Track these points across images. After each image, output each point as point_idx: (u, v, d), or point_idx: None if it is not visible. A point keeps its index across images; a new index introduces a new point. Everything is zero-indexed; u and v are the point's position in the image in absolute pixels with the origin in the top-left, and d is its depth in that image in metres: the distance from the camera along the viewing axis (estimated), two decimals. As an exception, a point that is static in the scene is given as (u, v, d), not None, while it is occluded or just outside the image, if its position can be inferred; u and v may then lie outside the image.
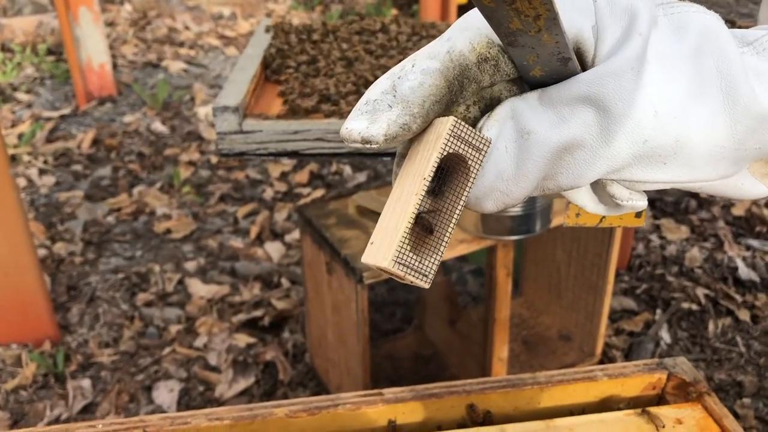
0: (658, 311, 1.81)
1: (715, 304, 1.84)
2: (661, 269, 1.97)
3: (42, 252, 2.03)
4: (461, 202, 0.33)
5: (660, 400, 0.80)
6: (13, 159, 2.58)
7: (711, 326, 1.76)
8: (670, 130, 0.33)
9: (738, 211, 2.22)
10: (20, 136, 2.77)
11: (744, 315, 1.79)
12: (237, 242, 2.12)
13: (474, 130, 0.33)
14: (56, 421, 1.49)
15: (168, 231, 2.18)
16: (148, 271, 1.98)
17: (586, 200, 0.39)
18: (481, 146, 0.33)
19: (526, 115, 0.33)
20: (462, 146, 0.32)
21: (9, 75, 3.34)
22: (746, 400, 1.54)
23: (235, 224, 2.23)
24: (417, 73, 0.33)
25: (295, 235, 2.13)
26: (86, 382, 1.59)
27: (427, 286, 0.34)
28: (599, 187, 0.38)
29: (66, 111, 3.02)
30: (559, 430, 0.72)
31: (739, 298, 1.85)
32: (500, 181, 0.34)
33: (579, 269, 1.54)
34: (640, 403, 0.78)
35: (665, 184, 0.35)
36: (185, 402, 1.56)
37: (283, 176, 2.50)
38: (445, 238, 0.34)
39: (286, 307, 1.81)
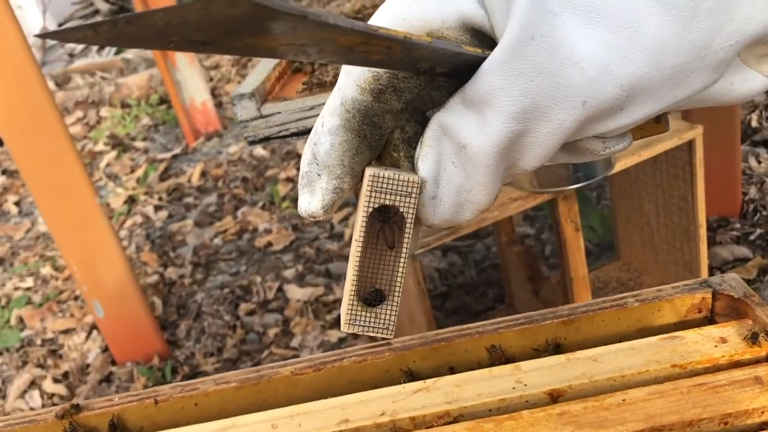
0: (779, 256, 1.64)
1: None
2: (782, 212, 1.78)
3: (155, 278, 2.17)
4: (404, 248, 0.32)
5: (710, 323, 0.71)
6: (132, 200, 2.78)
7: (844, 264, 1.57)
8: (607, 79, 0.28)
9: None
10: (138, 180, 2.99)
11: None
12: (332, 246, 2.15)
13: (397, 176, 0.31)
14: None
15: (269, 244, 2.26)
16: (249, 283, 2.05)
17: (562, 159, 0.36)
18: (409, 190, 0.31)
19: (455, 127, 0.31)
20: (387, 197, 0.31)
21: (128, 127, 3.63)
22: None
23: (331, 230, 2.27)
24: (326, 135, 0.33)
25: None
26: (194, 391, 1.67)
27: (390, 336, 0.34)
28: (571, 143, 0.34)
29: (177, 151, 3.23)
30: (580, 361, 0.66)
31: None
32: (463, 193, 0.32)
33: (668, 216, 1.42)
34: (686, 329, 0.70)
35: (636, 122, 0.30)
36: (285, 401, 1.59)
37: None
38: (396, 287, 0.33)
39: (378, 301, 1.81)
